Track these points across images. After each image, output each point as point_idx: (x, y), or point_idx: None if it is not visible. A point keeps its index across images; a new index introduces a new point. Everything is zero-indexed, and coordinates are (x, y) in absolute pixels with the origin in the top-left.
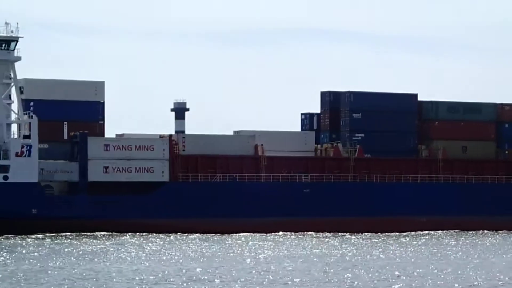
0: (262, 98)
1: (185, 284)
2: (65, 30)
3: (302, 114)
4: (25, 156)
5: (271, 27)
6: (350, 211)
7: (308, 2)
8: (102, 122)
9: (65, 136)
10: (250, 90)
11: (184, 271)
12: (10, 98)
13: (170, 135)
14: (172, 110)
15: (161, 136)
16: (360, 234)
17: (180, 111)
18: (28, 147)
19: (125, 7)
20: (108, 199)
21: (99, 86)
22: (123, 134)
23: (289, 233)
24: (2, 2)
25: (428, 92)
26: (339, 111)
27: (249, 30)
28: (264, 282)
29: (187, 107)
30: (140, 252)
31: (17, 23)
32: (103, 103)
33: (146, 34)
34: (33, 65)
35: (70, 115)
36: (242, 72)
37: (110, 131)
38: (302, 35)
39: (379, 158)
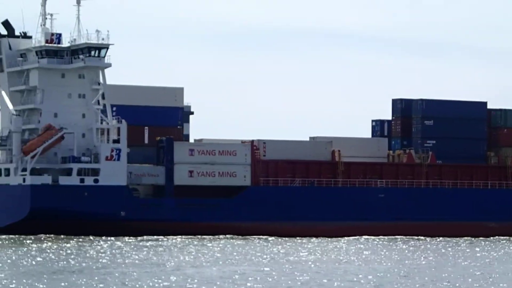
0: (334, 105)
1: None
2: (150, 38)
3: (373, 120)
4: (114, 160)
5: (345, 33)
6: (423, 215)
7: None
8: (181, 127)
9: (146, 141)
10: (322, 97)
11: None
12: (99, 103)
13: (252, 141)
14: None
15: (243, 142)
16: (435, 238)
17: None
18: (118, 151)
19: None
20: (193, 202)
21: (178, 92)
22: (201, 139)
23: (372, 237)
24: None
25: (497, 100)
26: (411, 118)
27: (317, 33)
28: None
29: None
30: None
31: (108, 31)
32: (183, 108)
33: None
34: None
35: (150, 120)
36: (315, 78)
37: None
38: (372, 43)
39: (451, 164)
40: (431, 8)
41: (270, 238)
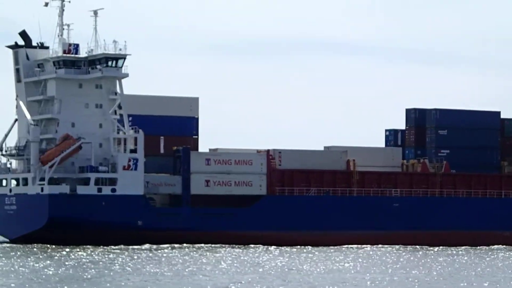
0: (347, 115)
1: None
2: (165, 48)
3: (386, 130)
4: (131, 169)
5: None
6: (438, 224)
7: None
8: (196, 137)
9: (162, 150)
10: (336, 106)
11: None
12: (115, 113)
13: (268, 150)
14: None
15: (259, 151)
16: (452, 247)
17: None
18: (135, 161)
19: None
20: (210, 212)
21: (193, 102)
22: (216, 149)
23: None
24: (110, 21)
25: (511, 109)
26: (425, 128)
27: (331, 44)
28: None
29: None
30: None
31: (125, 41)
32: (198, 118)
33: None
34: (129, 80)
35: (166, 130)
36: (328, 88)
37: (203, 146)
38: (386, 53)
39: (465, 174)
40: (445, 18)
41: (285, 248)
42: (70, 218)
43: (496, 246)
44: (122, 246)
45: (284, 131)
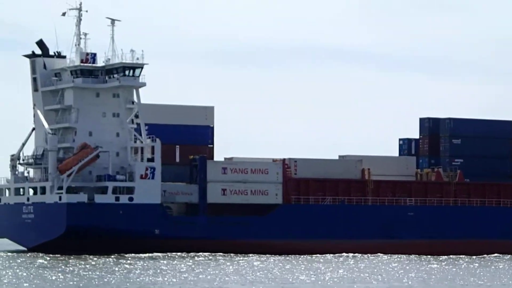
0: (361, 124)
1: None
2: (180, 56)
3: (400, 139)
4: (149, 178)
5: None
6: (452, 233)
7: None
8: (212, 146)
9: (177, 159)
10: (350, 115)
11: None
12: (132, 122)
13: (283, 159)
14: None
15: (274, 160)
16: (465, 256)
17: None
18: (152, 170)
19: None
20: (226, 220)
21: (209, 111)
22: (232, 158)
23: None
24: (126, 29)
25: None
26: (439, 137)
27: (345, 53)
28: None
29: None
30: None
31: (142, 51)
32: (213, 127)
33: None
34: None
35: (181, 138)
36: (342, 97)
37: (218, 155)
38: (399, 63)
39: (479, 183)
40: (458, 28)
41: (302, 256)
42: (88, 227)
43: (509, 256)
44: (165, 256)
45: (299, 140)
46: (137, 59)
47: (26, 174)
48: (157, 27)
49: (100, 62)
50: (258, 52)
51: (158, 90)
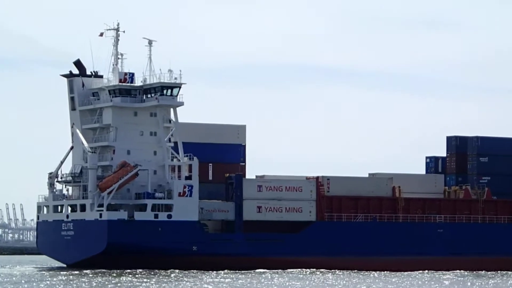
0: (390, 143)
1: None
2: (211, 77)
3: (427, 157)
4: (187, 196)
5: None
6: (481, 250)
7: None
8: (244, 164)
9: (210, 177)
10: (378, 134)
11: None
12: (169, 141)
13: (317, 177)
14: None
15: (308, 178)
16: (493, 272)
17: None
18: (190, 188)
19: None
20: (262, 237)
21: (241, 129)
22: (263, 176)
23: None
24: (160, 50)
25: None
26: (466, 155)
27: (378, 74)
28: None
29: None
30: None
31: (180, 70)
32: (245, 146)
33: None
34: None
35: (214, 157)
36: (371, 115)
37: (250, 173)
38: (427, 83)
39: (506, 200)
40: (485, 48)
41: (338, 272)
42: (128, 244)
43: None
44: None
45: (327, 158)
46: (175, 78)
47: (64, 192)
48: (189, 47)
49: (137, 82)
50: (289, 71)
51: (190, 109)
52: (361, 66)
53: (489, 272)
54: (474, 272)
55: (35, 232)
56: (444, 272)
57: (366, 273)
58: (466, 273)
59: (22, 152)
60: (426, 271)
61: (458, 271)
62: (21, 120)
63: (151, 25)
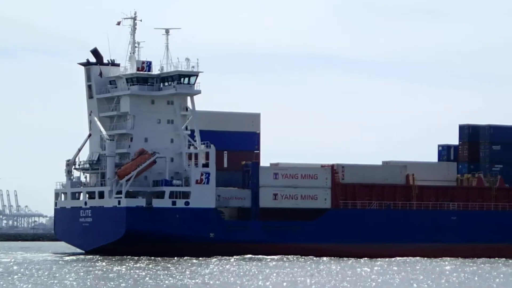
0: (403, 130)
1: None
2: (227, 65)
3: (439, 145)
4: (204, 183)
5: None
6: (494, 237)
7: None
8: (258, 151)
9: (225, 165)
10: (391, 122)
11: None
12: (186, 128)
13: (332, 165)
14: None
15: (323, 166)
16: (505, 259)
17: None
18: (207, 175)
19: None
20: (278, 225)
21: (255, 118)
22: (277, 163)
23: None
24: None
25: None
26: (479, 143)
27: (388, 64)
28: None
29: None
30: None
31: (197, 59)
32: (259, 134)
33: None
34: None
35: (228, 144)
36: (383, 103)
37: (264, 161)
38: (440, 72)
39: None
40: (499, 37)
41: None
42: (146, 231)
43: None
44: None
45: (339, 145)
46: (192, 67)
47: (82, 179)
48: (204, 35)
49: (154, 70)
50: (306, 59)
51: (205, 97)
52: (374, 55)
53: (502, 259)
54: (487, 259)
55: (29, 219)
56: (459, 259)
57: (379, 260)
58: (479, 260)
59: (37, 140)
60: (440, 258)
61: (471, 258)
62: (36, 108)
63: (167, 14)
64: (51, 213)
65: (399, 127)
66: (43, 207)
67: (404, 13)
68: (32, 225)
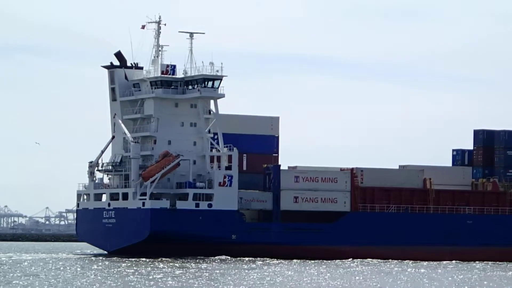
0: (419, 135)
1: None
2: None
3: (453, 150)
4: (227, 186)
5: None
6: (509, 241)
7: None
8: (277, 155)
9: (244, 167)
10: (408, 127)
11: None
12: (209, 131)
13: (352, 169)
14: None
15: (342, 169)
16: None
17: None
18: (230, 178)
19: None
20: (298, 227)
21: (274, 121)
22: (296, 166)
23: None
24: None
25: None
26: (493, 148)
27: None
28: None
29: None
30: None
31: (221, 63)
32: (278, 137)
33: None
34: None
35: (248, 147)
36: (400, 109)
37: (282, 164)
38: (455, 79)
39: None
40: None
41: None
42: (170, 232)
43: None
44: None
45: (355, 149)
46: (217, 71)
47: (106, 181)
48: (231, 40)
49: (178, 74)
50: (324, 62)
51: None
52: (392, 60)
53: None
54: (503, 262)
55: (8, 219)
56: (473, 262)
57: (399, 262)
58: (495, 264)
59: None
60: (455, 261)
61: (486, 262)
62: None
63: (191, 18)
64: (31, 213)
65: (414, 132)
66: (23, 207)
67: (419, 16)
68: (12, 225)
